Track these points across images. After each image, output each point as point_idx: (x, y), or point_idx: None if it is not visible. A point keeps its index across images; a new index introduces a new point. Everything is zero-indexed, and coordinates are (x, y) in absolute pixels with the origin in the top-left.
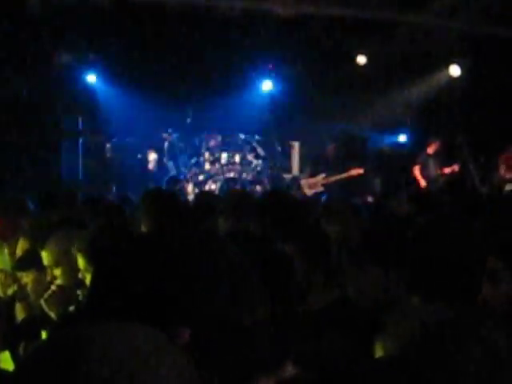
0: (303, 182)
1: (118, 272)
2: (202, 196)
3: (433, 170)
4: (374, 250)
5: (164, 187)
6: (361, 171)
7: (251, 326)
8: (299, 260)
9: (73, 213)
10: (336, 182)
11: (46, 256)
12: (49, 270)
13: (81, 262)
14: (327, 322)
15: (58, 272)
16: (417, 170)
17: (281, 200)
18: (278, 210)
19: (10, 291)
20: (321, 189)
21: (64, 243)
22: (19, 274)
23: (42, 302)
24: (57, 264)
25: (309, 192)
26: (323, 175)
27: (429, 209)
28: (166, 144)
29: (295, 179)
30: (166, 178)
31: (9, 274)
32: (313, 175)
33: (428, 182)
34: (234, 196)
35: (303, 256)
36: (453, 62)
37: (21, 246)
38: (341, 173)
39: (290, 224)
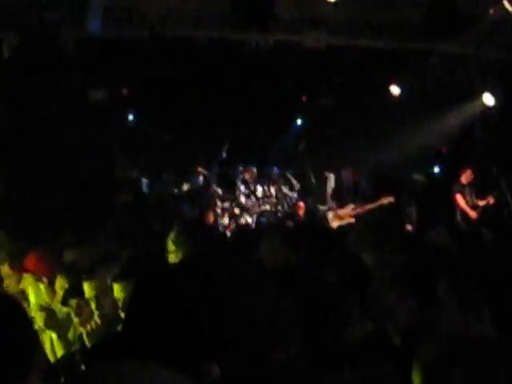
0: (331, 214)
1: (152, 304)
2: (241, 231)
3: (470, 200)
4: (415, 281)
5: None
6: (391, 200)
7: (284, 363)
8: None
9: (109, 247)
10: (367, 211)
11: (89, 288)
12: (91, 303)
13: (116, 289)
14: (366, 353)
15: (96, 305)
16: (461, 201)
17: (315, 232)
18: (314, 241)
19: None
20: (351, 220)
21: (108, 275)
22: (59, 307)
23: (84, 335)
24: (100, 296)
25: (336, 224)
26: (352, 206)
27: (468, 240)
28: (202, 178)
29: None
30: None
31: (48, 311)
32: (340, 206)
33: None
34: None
35: (342, 287)
36: (486, 91)
37: (59, 283)
38: (372, 202)
39: (328, 255)
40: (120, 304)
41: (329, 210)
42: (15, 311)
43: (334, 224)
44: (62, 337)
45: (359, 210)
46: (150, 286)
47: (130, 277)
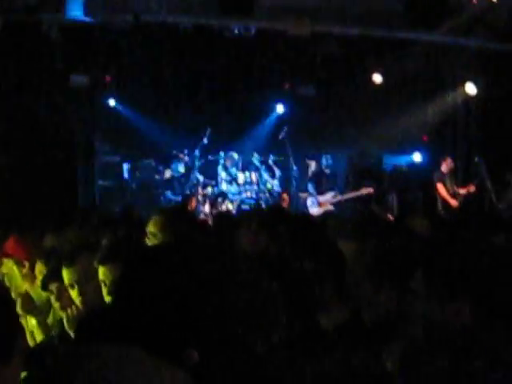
0: (310, 200)
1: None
2: (222, 217)
3: (450, 188)
4: (393, 270)
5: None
6: (371, 190)
7: (265, 352)
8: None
9: (89, 233)
10: (346, 200)
11: (69, 274)
12: (70, 289)
13: (101, 272)
14: (340, 341)
15: (78, 291)
16: (442, 189)
17: (294, 218)
18: (292, 228)
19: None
20: (330, 207)
21: (89, 261)
22: (38, 292)
23: (64, 320)
24: (82, 282)
25: (315, 211)
26: (332, 193)
27: (448, 228)
28: (183, 164)
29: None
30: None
31: (26, 298)
32: (320, 193)
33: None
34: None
35: (318, 274)
36: (468, 80)
37: (38, 269)
38: (352, 191)
39: (306, 242)
40: (104, 287)
41: (308, 196)
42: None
43: (314, 211)
44: (41, 322)
45: (339, 198)
46: (138, 268)
47: (117, 260)
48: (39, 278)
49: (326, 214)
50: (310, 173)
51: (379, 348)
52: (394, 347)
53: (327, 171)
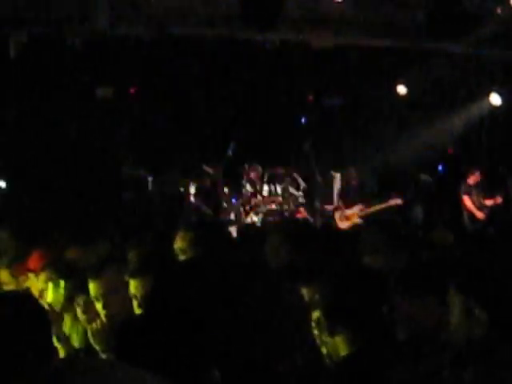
0: (338, 214)
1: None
2: (247, 229)
3: (477, 201)
4: (419, 282)
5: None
6: (399, 202)
7: (286, 372)
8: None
9: (114, 245)
10: (374, 213)
11: (95, 287)
12: (96, 302)
13: (132, 285)
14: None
15: (104, 304)
16: (468, 201)
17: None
18: (317, 242)
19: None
20: (358, 220)
21: (116, 274)
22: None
23: (89, 334)
24: (108, 295)
25: (343, 225)
26: (360, 206)
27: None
28: (208, 177)
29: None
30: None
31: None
32: (348, 206)
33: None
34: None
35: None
36: (493, 91)
37: (61, 283)
38: (379, 203)
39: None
40: (135, 300)
41: (336, 209)
42: (35, 306)
43: (341, 224)
44: (65, 335)
45: (367, 211)
46: (169, 282)
47: (147, 273)
48: (61, 292)
49: (354, 228)
50: (335, 185)
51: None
52: (436, 359)
53: (353, 183)
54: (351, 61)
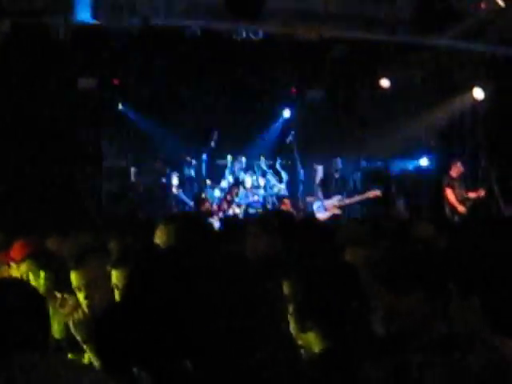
0: (316, 205)
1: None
2: (229, 220)
3: (459, 193)
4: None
5: (190, 206)
6: (378, 193)
7: (260, 363)
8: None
9: (96, 236)
10: (353, 204)
11: (77, 278)
12: (77, 292)
13: (114, 276)
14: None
15: (85, 295)
16: (450, 195)
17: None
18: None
19: None
20: (337, 211)
21: (98, 264)
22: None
23: (71, 325)
24: (90, 285)
25: (322, 215)
26: (339, 197)
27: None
28: (190, 168)
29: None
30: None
31: None
32: (327, 197)
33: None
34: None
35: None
36: (476, 85)
37: (42, 273)
38: (359, 194)
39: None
40: (117, 291)
41: (315, 200)
42: (34, 293)
43: (320, 215)
44: None
45: (345, 202)
46: (146, 272)
47: (129, 263)
48: (42, 282)
49: (333, 218)
50: (317, 177)
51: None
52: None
53: (336, 175)
54: (335, 53)
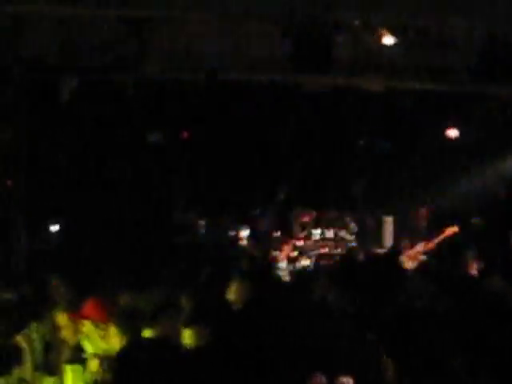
0: (403, 257)
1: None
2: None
3: None
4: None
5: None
6: (456, 230)
7: None
8: None
9: (169, 292)
10: (435, 246)
11: (151, 334)
12: None
13: (187, 335)
14: None
15: None
16: None
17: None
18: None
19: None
20: (423, 257)
21: (171, 321)
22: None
23: None
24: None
25: (411, 265)
26: (422, 243)
27: None
28: (258, 220)
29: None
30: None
31: (104, 358)
32: (410, 247)
33: None
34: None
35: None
36: None
37: (113, 331)
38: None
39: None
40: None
41: (400, 252)
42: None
43: (409, 265)
44: None
45: (430, 246)
46: (227, 333)
47: (202, 323)
48: (114, 339)
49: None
50: (385, 228)
51: None
52: None
53: (422, 224)
54: (402, 104)
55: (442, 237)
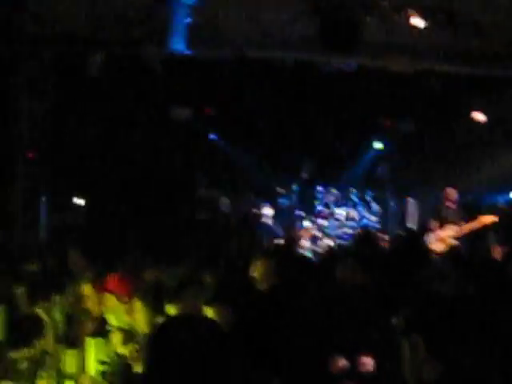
0: (431, 236)
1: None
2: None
3: None
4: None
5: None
6: (495, 218)
7: None
8: None
9: (193, 269)
10: (470, 232)
11: (173, 311)
12: None
13: (209, 313)
14: None
15: None
16: None
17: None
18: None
19: (126, 350)
20: (454, 242)
21: (193, 298)
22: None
23: None
24: None
25: (437, 247)
26: (454, 227)
27: None
28: (282, 199)
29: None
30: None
31: (127, 332)
32: (441, 227)
33: None
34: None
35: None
36: None
37: (138, 305)
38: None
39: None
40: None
41: (430, 231)
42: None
43: (437, 247)
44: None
45: (463, 231)
46: (249, 316)
47: (224, 302)
48: (139, 313)
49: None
50: (408, 210)
51: None
52: None
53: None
54: (429, 86)
55: (478, 225)
